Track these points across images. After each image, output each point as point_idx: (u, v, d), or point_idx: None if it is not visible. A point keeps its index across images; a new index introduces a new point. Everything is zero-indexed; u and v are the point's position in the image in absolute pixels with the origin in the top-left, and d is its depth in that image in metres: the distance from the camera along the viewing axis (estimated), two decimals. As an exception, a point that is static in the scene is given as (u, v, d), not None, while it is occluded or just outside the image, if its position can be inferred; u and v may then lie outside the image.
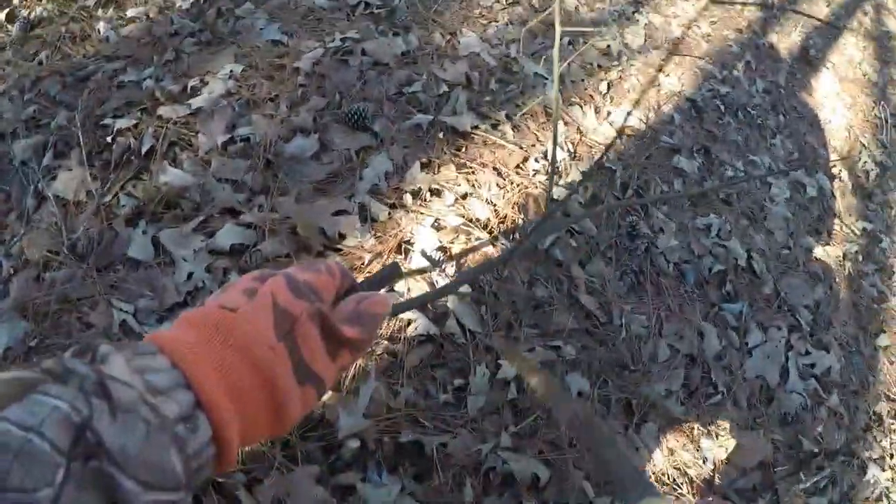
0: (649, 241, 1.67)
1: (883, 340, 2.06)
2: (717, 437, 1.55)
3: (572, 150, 1.76)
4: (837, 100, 2.74)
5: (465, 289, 1.42)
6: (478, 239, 1.48)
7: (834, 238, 2.21)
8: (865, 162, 2.51)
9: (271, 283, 0.42)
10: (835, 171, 2.35)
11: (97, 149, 1.59)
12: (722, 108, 2.19)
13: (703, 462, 1.52)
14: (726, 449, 1.55)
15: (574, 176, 1.71)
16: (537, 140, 1.74)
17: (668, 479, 1.46)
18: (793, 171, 2.17)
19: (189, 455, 0.34)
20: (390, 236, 1.44)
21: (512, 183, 1.62)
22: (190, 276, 1.34)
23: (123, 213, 1.44)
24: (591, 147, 1.79)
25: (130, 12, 1.86)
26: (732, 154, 2.08)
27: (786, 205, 2.08)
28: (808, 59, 2.79)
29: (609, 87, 2.00)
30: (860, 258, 2.16)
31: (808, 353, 1.82)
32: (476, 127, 1.68)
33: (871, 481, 1.77)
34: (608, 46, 2.09)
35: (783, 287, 1.86)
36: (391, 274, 0.53)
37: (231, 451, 0.36)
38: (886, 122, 2.77)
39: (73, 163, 1.53)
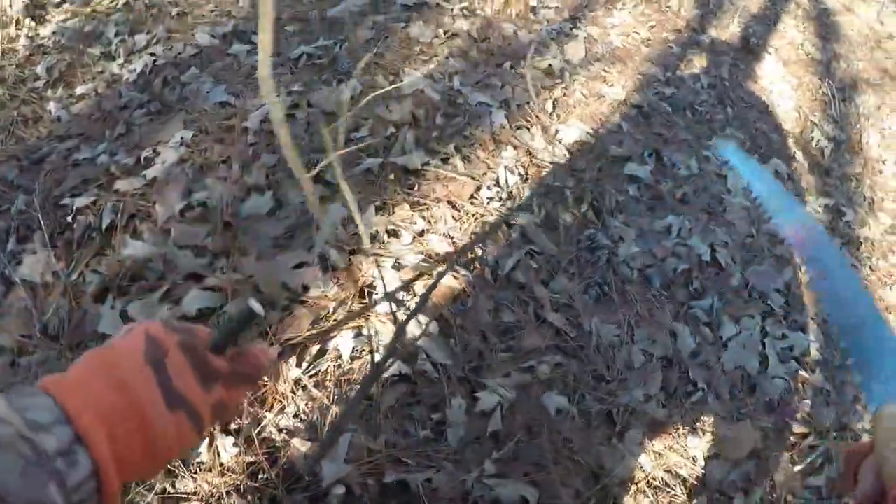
0: (610, 251, 1.72)
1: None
2: (703, 433, 1.58)
3: (523, 173, 1.82)
4: (784, 83, 2.83)
5: (431, 326, 1.45)
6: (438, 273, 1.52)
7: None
8: (818, 140, 2.59)
9: (147, 322, 0.46)
10: (790, 152, 2.42)
11: (59, 229, 1.63)
12: (669, 109, 2.26)
13: (693, 461, 1.55)
14: (715, 444, 1.58)
15: (528, 199, 1.76)
16: (488, 168, 1.79)
17: (660, 482, 1.49)
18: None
19: (69, 489, 0.35)
20: (352, 283, 1.48)
21: (467, 213, 1.67)
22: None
23: (91, 290, 1.48)
24: (540, 168, 1.85)
25: (79, 90, 1.92)
26: (685, 153, 2.15)
27: (743, 195, 2.14)
28: (750, 48, 2.88)
29: (555, 106, 2.07)
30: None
31: (784, 336, 1.86)
32: (426, 163, 1.74)
33: None
34: (550, 66, 2.17)
35: (750, 276, 1.91)
36: (243, 320, 0.52)
37: (111, 483, 0.38)
38: (834, 97, 2.86)
39: (36, 245, 1.58)
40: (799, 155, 2.47)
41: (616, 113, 2.15)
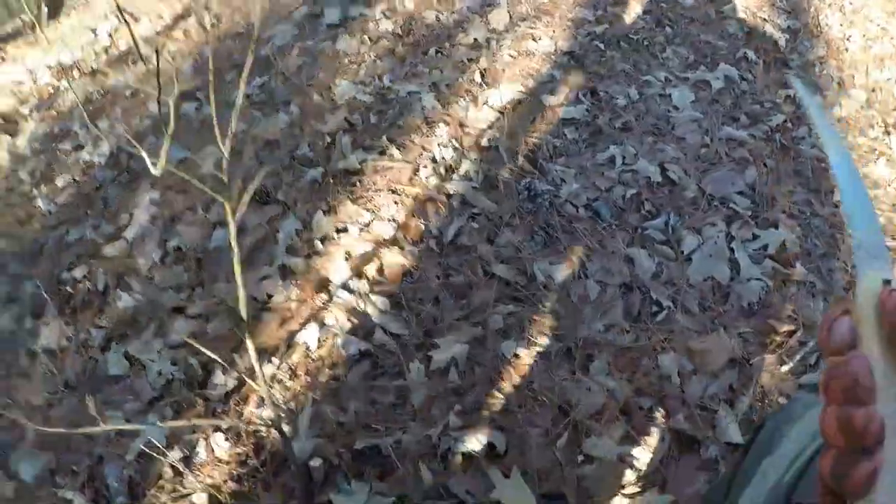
0: (551, 194, 1.80)
1: (839, 196, 2.04)
2: (674, 350, 1.62)
3: (458, 146, 1.92)
4: (728, -12, 2.79)
5: (383, 303, 1.58)
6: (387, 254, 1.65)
7: (758, 117, 2.25)
8: (771, 34, 2.54)
9: None
10: (740, 54, 2.40)
11: (64, 300, 1.88)
12: (601, 46, 2.30)
13: (669, 379, 1.58)
14: (689, 359, 1.61)
15: (466, 167, 1.87)
16: (423, 150, 1.91)
17: (633, 406, 1.53)
18: (692, 73, 2.24)
19: None
20: (309, 282, 1.64)
21: (407, 195, 1.79)
22: (159, 373, 1.58)
23: (97, 343, 1.71)
24: (475, 136, 1.95)
25: (60, 182, 2.18)
26: (623, 84, 2.18)
27: (692, 107, 2.15)
28: None
29: (483, 75, 2.16)
30: (790, 125, 2.19)
31: (755, 237, 1.86)
32: (364, 161, 1.88)
33: None
34: (475, 39, 2.27)
35: (707, 184, 1.93)
36: None
37: None
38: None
39: (49, 319, 1.83)
40: (751, 54, 2.45)
41: (546, 64, 2.22)
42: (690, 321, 1.71)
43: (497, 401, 1.47)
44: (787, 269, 1.86)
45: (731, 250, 1.86)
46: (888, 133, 2.32)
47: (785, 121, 2.27)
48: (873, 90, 2.45)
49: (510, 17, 2.40)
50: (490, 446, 1.40)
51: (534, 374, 1.52)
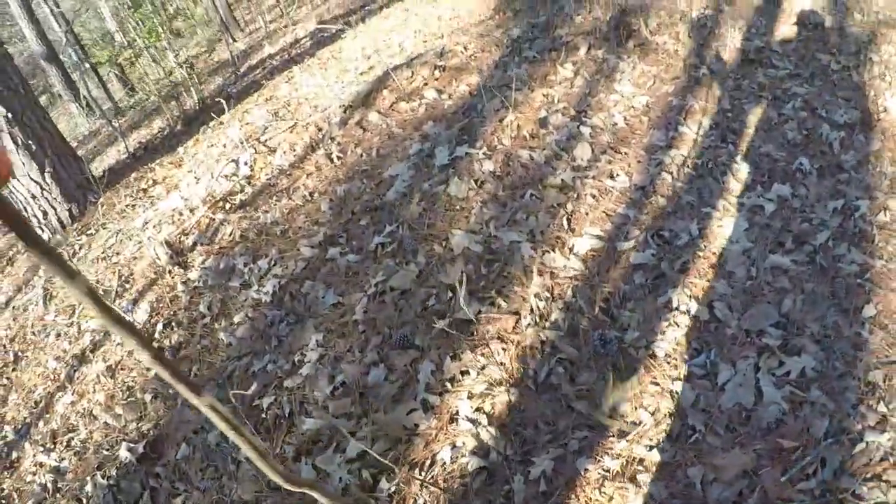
0: (619, 340, 2.97)
1: (869, 311, 2.81)
2: (702, 464, 2.77)
3: (549, 295, 3.14)
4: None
5: (496, 430, 2.90)
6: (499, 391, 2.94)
7: (805, 237, 3.13)
8: (825, 135, 3.45)
9: None
10: (795, 165, 3.40)
11: (258, 423, 3.28)
12: (669, 176, 3.40)
13: (694, 486, 2.76)
14: (711, 470, 2.78)
15: (555, 316, 3.09)
16: (523, 300, 3.15)
17: None
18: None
19: None
20: (444, 413, 2.96)
21: (512, 342, 3.06)
22: (340, 479, 2.96)
23: (290, 456, 3.11)
24: (563, 285, 3.17)
25: (236, 318, 3.56)
26: (685, 219, 3.29)
27: (745, 236, 3.21)
28: (750, 59, 3.77)
29: (569, 221, 3.33)
30: (832, 243, 3.01)
31: (781, 364, 2.89)
32: (479, 312, 3.14)
33: (871, 447, 2.54)
34: (562, 181, 3.43)
35: (746, 319, 3.03)
36: None
37: None
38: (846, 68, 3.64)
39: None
40: (805, 163, 3.31)
41: (622, 203, 3.35)
42: (717, 440, 2.86)
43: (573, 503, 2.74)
44: (804, 393, 2.89)
45: (757, 379, 2.97)
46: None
47: (828, 238, 3.06)
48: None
49: (592, 150, 3.52)
50: None
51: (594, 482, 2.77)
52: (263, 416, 3.05)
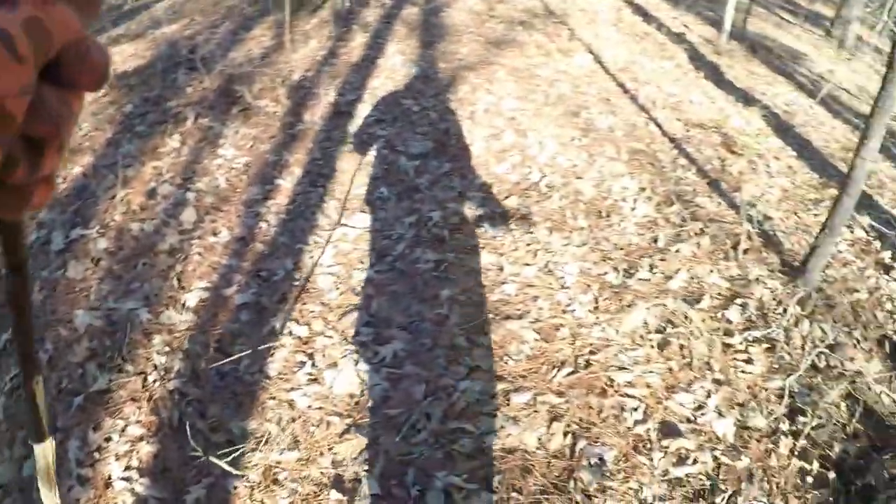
0: (234, 370, 3.57)
1: (446, 294, 3.84)
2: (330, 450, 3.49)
3: (169, 348, 3.61)
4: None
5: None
6: None
7: (385, 250, 4.13)
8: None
9: None
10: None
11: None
12: (270, 228, 4.06)
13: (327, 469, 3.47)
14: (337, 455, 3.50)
15: (177, 365, 3.57)
16: (147, 360, 3.59)
17: None
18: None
19: None
20: (98, 481, 3.31)
21: (144, 399, 3.48)
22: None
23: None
24: (180, 337, 3.65)
25: None
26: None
27: (334, 259, 3.98)
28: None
29: (179, 280, 3.82)
30: (407, 250, 4.09)
31: (376, 353, 3.72)
32: (111, 381, 3.53)
33: (467, 394, 3.68)
34: (170, 245, 3.92)
35: (340, 327, 3.78)
36: None
37: None
38: None
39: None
40: (385, 191, 4.27)
41: (225, 255, 3.93)
42: (339, 426, 3.57)
43: None
44: (400, 370, 3.75)
45: (357, 370, 3.74)
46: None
47: (405, 247, 4.17)
48: None
49: (197, 212, 4.03)
50: None
51: (245, 496, 3.34)
52: None
